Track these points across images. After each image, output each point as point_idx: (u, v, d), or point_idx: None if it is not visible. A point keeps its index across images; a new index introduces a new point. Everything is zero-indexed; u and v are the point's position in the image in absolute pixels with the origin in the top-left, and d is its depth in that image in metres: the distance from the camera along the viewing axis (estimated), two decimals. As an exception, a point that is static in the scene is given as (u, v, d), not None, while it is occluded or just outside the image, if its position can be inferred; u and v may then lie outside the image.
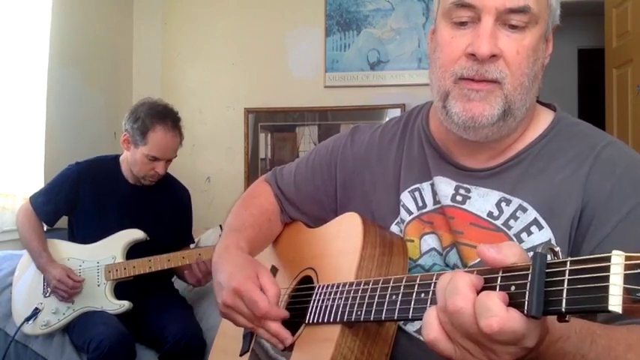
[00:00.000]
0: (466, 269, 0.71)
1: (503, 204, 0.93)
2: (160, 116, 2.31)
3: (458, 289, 0.63)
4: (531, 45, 0.89)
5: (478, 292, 0.62)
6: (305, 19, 3.92)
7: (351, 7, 3.87)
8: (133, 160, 2.35)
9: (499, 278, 0.63)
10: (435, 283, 0.70)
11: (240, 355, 1.14)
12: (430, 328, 0.65)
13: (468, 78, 0.89)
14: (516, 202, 0.93)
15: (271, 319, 0.97)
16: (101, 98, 3.68)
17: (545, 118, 0.99)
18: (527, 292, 0.58)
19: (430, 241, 0.99)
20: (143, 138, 2.28)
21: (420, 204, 1.01)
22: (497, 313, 0.59)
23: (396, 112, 3.64)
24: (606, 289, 0.52)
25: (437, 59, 0.94)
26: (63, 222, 2.48)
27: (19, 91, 2.91)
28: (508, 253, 0.63)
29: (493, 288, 0.63)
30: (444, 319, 0.64)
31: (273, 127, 3.96)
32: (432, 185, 1.01)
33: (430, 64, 0.99)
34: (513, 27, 0.88)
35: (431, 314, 0.66)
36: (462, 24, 0.90)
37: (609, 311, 0.52)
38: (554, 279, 0.57)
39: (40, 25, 3.03)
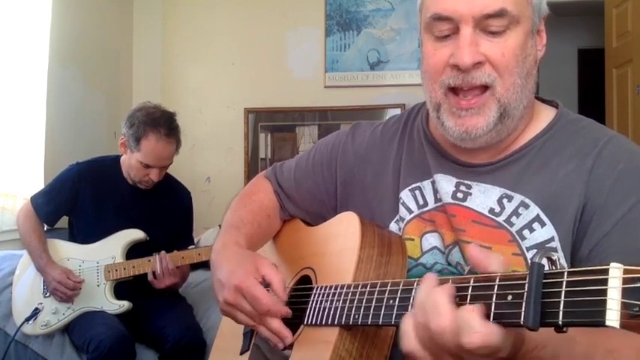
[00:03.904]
0: (442, 277, 0.72)
1: (504, 200, 0.93)
2: (154, 124, 2.28)
3: (440, 309, 0.64)
4: (517, 45, 0.89)
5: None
6: (305, 19, 3.92)
7: (351, 7, 3.87)
8: (129, 165, 2.35)
9: (470, 288, 0.65)
10: None
11: (241, 354, 1.14)
12: (408, 340, 0.68)
13: (457, 87, 0.90)
14: (518, 198, 0.92)
15: (274, 315, 0.97)
16: (101, 98, 3.68)
17: (547, 115, 0.99)
18: (523, 303, 0.58)
19: (432, 240, 0.98)
20: (137, 145, 2.28)
21: (421, 202, 1.01)
22: (478, 330, 0.61)
23: (396, 112, 3.63)
24: (604, 303, 0.52)
25: (424, 72, 0.95)
26: (63, 222, 2.48)
27: (19, 91, 2.91)
28: (494, 262, 0.66)
29: (464, 297, 0.65)
30: (424, 335, 0.66)
31: (273, 127, 3.96)
32: (433, 183, 1.00)
33: (421, 72, 0.99)
34: (494, 33, 0.88)
35: (407, 324, 0.68)
36: (444, 37, 0.90)
37: (606, 326, 0.51)
38: (552, 290, 0.57)
39: (40, 25, 3.03)
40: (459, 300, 0.66)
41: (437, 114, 0.94)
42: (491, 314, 0.62)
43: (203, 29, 4.01)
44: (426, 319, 0.65)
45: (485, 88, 0.89)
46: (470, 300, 0.65)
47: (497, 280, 0.63)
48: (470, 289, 0.66)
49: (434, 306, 0.64)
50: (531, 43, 0.92)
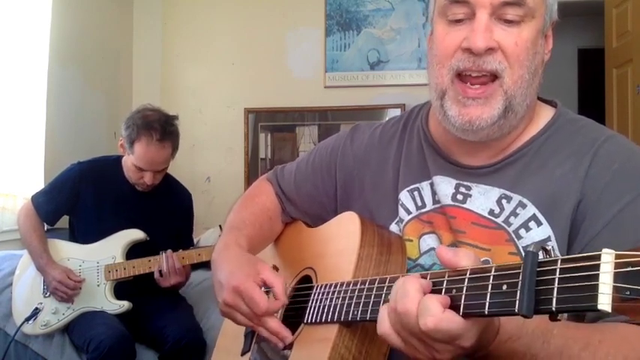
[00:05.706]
0: (427, 272, 0.74)
1: (504, 201, 0.93)
2: (147, 127, 2.25)
3: (407, 293, 0.69)
4: (529, 38, 0.88)
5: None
6: (305, 19, 3.92)
7: (351, 7, 3.88)
8: (125, 167, 2.36)
9: (445, 282, 0.69)
10: None
11: (242, 355, 1.14)
12: (382, 323, 0.73)
13: (465, 71, 0.89)
14: (516, 198, 0.92)
15: (272, 313, 0.97)
16: (101, 98, 3.69)
17: (546, 115, 0.98)
18: (518, 292, 0.58)
19: (430, 241, 0.98)
20: (131, 147, 2.28)
21: (419, 204, 1.01)
22: (433, 313, 0.65)
23: (396, 112, 3.64)
24: (596, 287, 0.52)
25: (433, 57, 0.94)
26: (64, 222, 2.48)
27: (19, 91, 2.92)
28: (462, 256, 0.69)
29: (439, 291, 0.69)
30: (394, 319, 0.70)
31: (273, 127, 3.96)
32: (432, 185, 1.00)
33: (428, 63, 0.98)
34: (509, 22, 0.87)
35: (383, 311, 0.73)
36: (458, 21, 0.89)
37: (599, 310, 0.52)
38: (545, 278, 0.57)
39: (40, 25, 3.04)
40: (456, 292, 0.67)
41: (441, 102, 0.92)
42: (487, 304, 0.63)
43: (203, 29, 4.02)
44: (395, 303, 0.70)
45: (493, 77, 0.89)
46: (465, 291, 0.66)
47: (493, 270, 0.64)
48: (466, 280, 0.67)
49: (404, 292, 0.69)
50: (541, 42, 0.92)
